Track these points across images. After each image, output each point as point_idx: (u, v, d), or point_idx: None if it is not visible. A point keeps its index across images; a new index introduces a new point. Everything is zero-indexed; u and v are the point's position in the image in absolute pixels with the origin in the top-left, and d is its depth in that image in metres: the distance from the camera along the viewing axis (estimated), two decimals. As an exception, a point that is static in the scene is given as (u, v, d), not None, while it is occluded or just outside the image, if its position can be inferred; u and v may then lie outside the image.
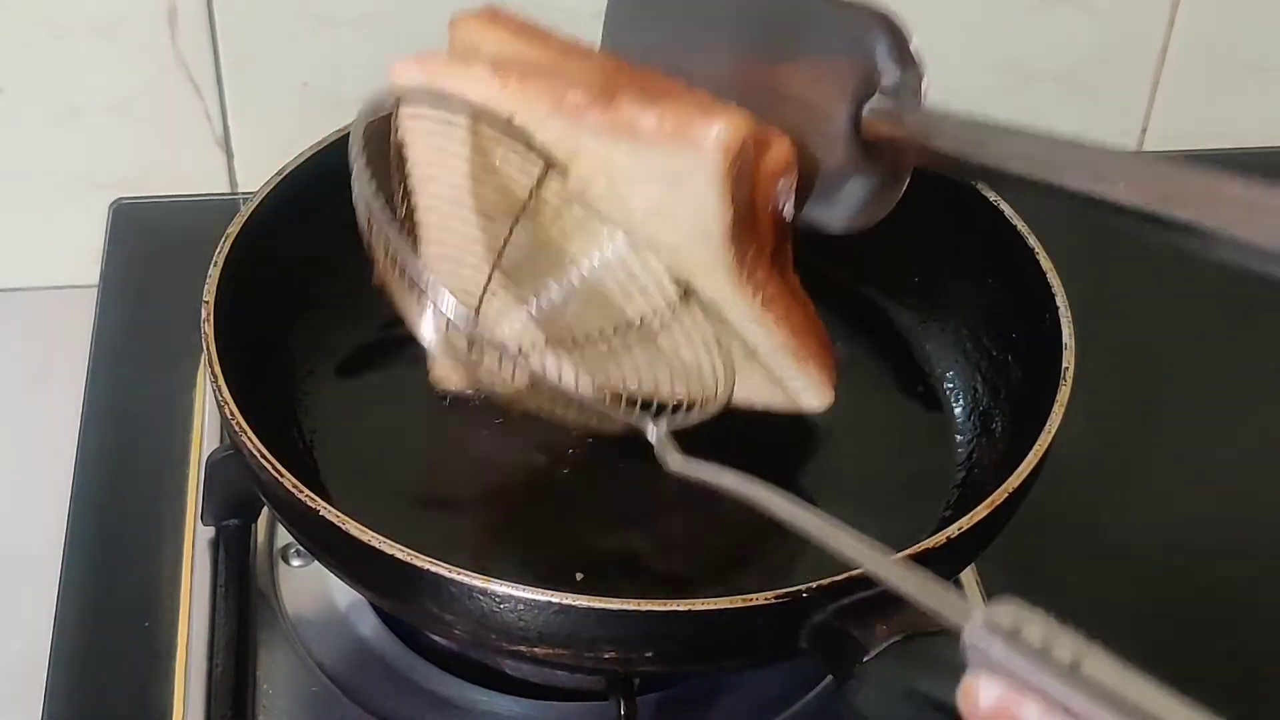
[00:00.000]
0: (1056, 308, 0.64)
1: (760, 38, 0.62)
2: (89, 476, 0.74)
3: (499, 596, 0.52)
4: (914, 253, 0.72)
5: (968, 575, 0.69)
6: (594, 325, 0.62)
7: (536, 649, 0.54)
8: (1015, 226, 0.67)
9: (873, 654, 0.51)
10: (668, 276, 0.60)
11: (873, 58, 0.58)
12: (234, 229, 0.65)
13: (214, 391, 0.59)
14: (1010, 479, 0.57)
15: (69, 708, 0.64)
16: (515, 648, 0.54)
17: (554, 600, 0.52)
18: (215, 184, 0.89)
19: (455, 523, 0.66)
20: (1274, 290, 0.88)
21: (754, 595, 0.52)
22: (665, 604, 0.52)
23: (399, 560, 0.53)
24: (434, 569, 0.53)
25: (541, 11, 0.87)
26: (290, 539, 0.69)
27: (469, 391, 0.65)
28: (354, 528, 0.54)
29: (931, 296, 0.73)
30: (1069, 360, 0.62)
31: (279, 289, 0.68)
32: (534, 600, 0.52)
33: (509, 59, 0.61)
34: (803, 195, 0.60)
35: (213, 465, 0.68)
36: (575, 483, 0.67)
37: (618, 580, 0.62)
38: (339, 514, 0.54)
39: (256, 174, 0.70)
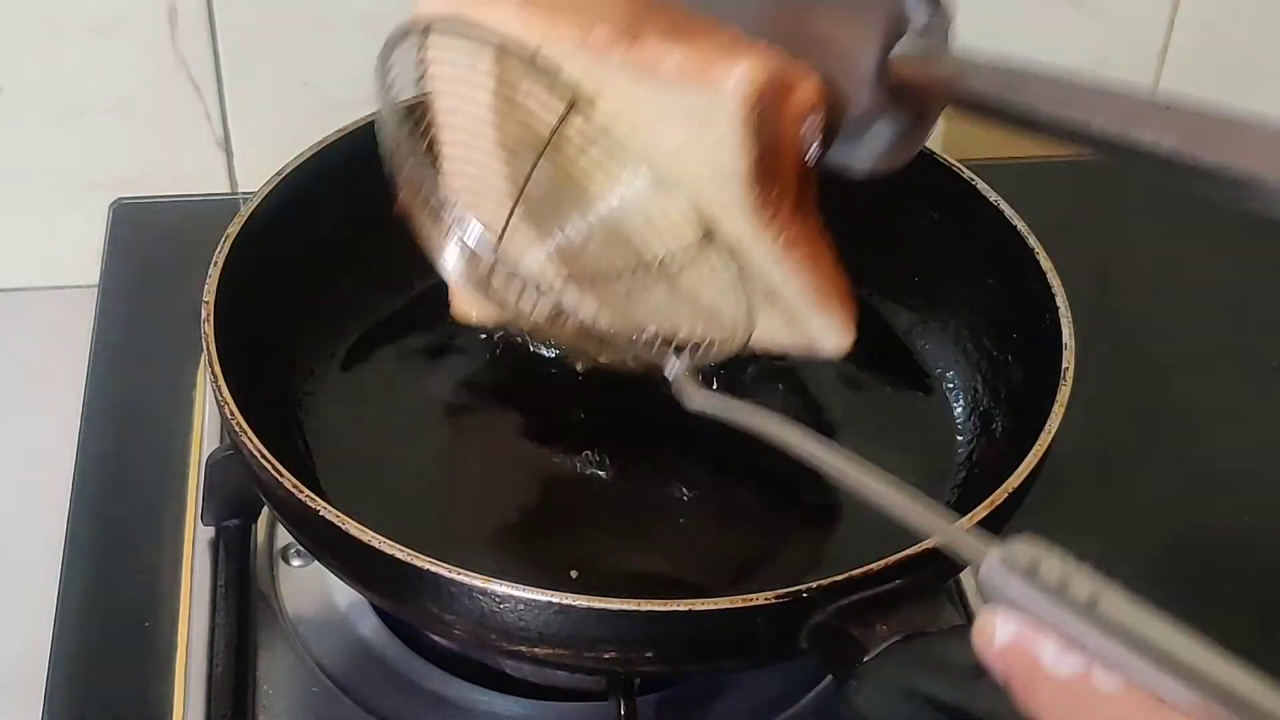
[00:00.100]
0: (1056, 308, 0.64)
1: None
2: (89, 476, 0.74)
3: (499, 596, 0.52)
4: (914, 253, 0.72)
5: (968, 575, 0.69)
6: (615, 263, 0.61)
7: (536, 649, 0.54)
8: (1015, 226, 0.67)
9: (873, 654, 0.51)
10: (690, 216, 0.60)
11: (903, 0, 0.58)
12: (234, 229, 0.65)
13: (214, 391, 0.59)
14: (1010, 479, 0.57)
15: (69, 708, 0.64)
16: (515, 648, 0.54)
17: (554, 600, 0.52)
18: (215, 184, 0.89)
19: (455, 523, 0.66)
20: (1274, 290, 0.88)
21: (754, 595, 0.52)
22: (665, 604, 0.52)
23: (399, 560, 0.53)
24: (434, 569, 0.53)
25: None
26: (290, 539, 0.69)
27: (488, 325, 0.64)
28: (354, 528, 0.54)
29: (931, 296, 0.73)
30: (1069, 360, 0.62)
31: (279, 289, 0.68)
32: (534, 600, 0.52)
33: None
34: (829, 137, 0.60)
35: (213, 465, 0.68)
36: (575, 483, 0.67)
37: (615, 579, 0.62)
38: (339, 514, 0.54)
39: (256, 174, 0.70)
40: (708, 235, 0.60)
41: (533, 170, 0.61)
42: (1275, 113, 1.00)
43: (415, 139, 0.57)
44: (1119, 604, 0.38)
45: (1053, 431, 0.59)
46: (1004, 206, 0.68)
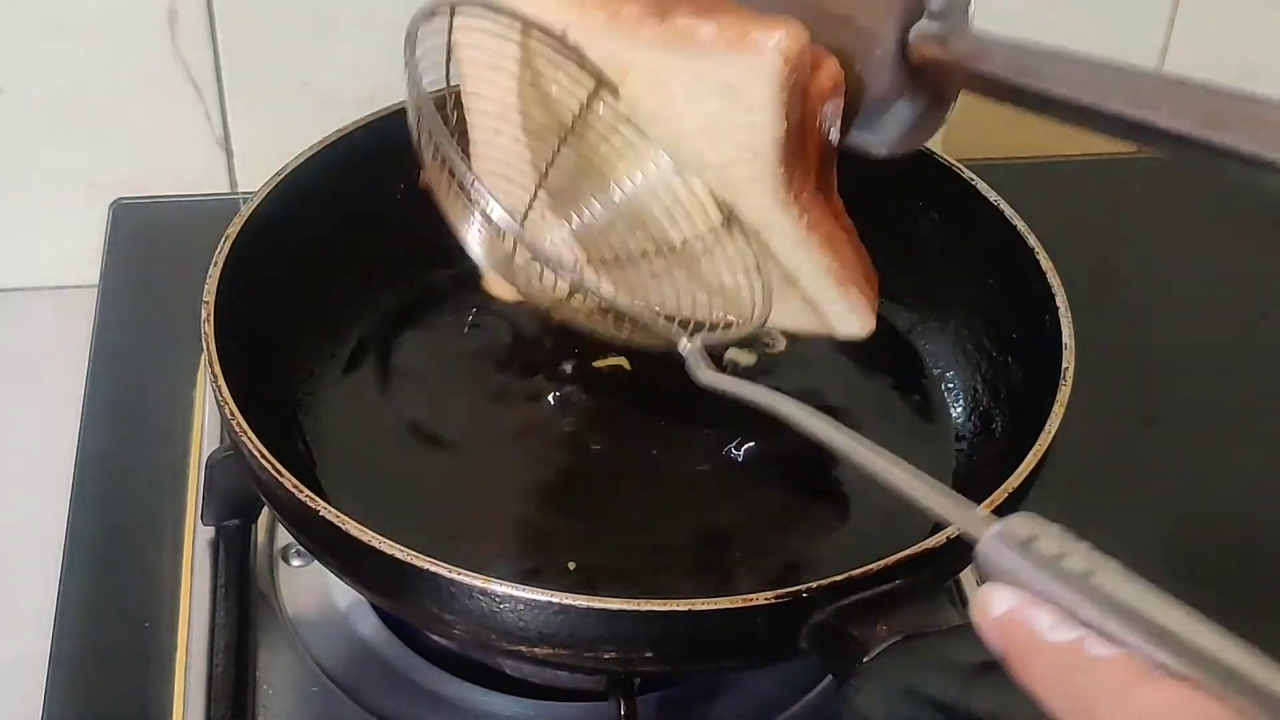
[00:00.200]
0: (1056, 308, 0.64)
1: None
2: (89, 476, 0.74)
3: (499, 596, 0.52)
4: (914, 253, 0.72)
5: (968, 575, 0.69)
6: (637, 245, 0.62)
7: (536, 649, 0.54)
8: (1015, 226, 0.67)
9: (873, 654, 0.51)
10: (712, 199, 0.60)
11: None
12: (234, 229, 0.65)
13: (214, 391, 0.59)
14: (1010, 479, 0.57)
15: (69, 708, 0.64)
16: (515, 648, 0.54)
17: (554, 600, 0.52)
18: (215, 184, 0.89)
19: (455, 522, 0.66)
20: (1274, 290, 0.88)
21: (754, 595, 0.52)
22: (665, 604, 0.52)
23: (399, 560, 0.53)
24: (434, 569, 0.53)
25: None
26: (290, 539, 0.69)
27: (519, 299, 0.64)
28: (354, 528, 0.54)
29: (931, 296, 0.73)
30: (1069, 360, 0.62)
31: (279, 289, 0.68)
32: (534, 600, 0.52)
33: None
34: (849, 118, 0.60)
35: (213, 465, 0.68)
36: (577, 481, 0.67)
37: (615, 579, 0.62)
38: (339, 514, 0.54)
39: (256, 174, 0.70)
40: (729, 219, 0.60)
41: (557, 152, 0.61)
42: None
43: (441, 117, 0.57)
44: (1115, 577, 0.38)
45: (1053, 431, 0.59)
46: (1004, 206, 0.68)
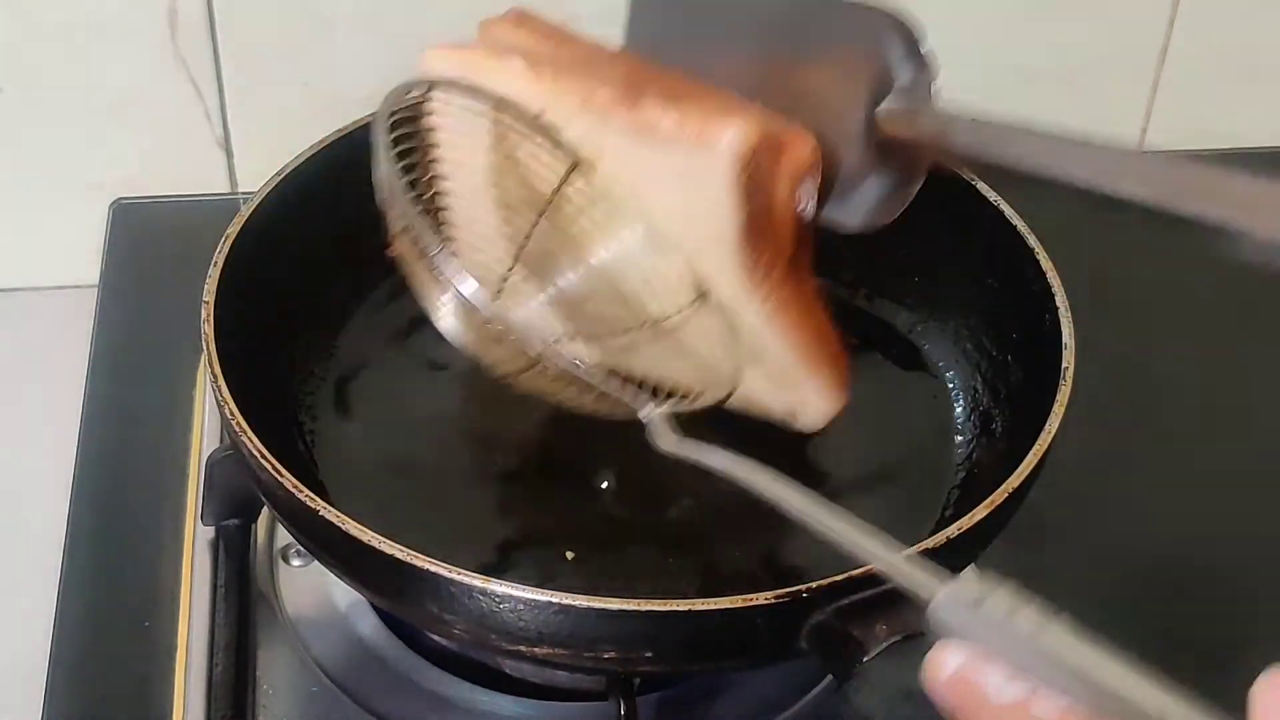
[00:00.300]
0: (1056, 308, 0.64)
1: (778, 38, 0.62)
2: (89, 476, 0.74)
3: (499, 596, 0.52)
4: (914, 253, 0.72)
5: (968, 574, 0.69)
6: (610, 320, 0.62)
7: (536, 649, 0.54)
8: (1015, 226, 0.67)
9: (873, 654, 0.51)
10: (685, 277, 0.60)
11: (886, 58, 0.58)
12: (234, 229, 0.65)
13: (214, 391, 0.59)
14: (1010, 479, 0.57)
15: (69, 708, 0.64)
16: (515, 647, 0.54)
17: (554, 600, 0.52)
18: (215, 184, 0.89)
19: (455, 522, 0.66)
20: (1273, 291, 0.88)
21: (754, 595, 0.52)
22: (665, 604, 0.52)
23: (399, 560, 0.53)
24: (434, 569, 0.52)
25: (540, 12, 0.87)
26: (290, 539, 0.69)
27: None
28: (354, 528, 0.54)
29: (931, 296, 0.73)
30: (1069, 360, 0.62)
31: (279, 289, 0.68)
32: (534, 600, 0.52)
33: (539, 57, 0.61)
34: (824, 193, 0.60)
35: (213, 465, 0.68)
36: (577, 480, 0.67)
37: (614, 577, 0.62)
38: (339, 514, 0.54)
39: (256, 174, 0.70)
40: (702, 296, 0.60)
41: (532, 230, 0.62)
42: (1274, 114, 1.00)
43: (414, 192, 0.58)
44: (1063, 636, 0.39)
45: (1053, 432, 0.59)
46: (1004, 206, 0.68)
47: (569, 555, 0.62)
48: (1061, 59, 0.93)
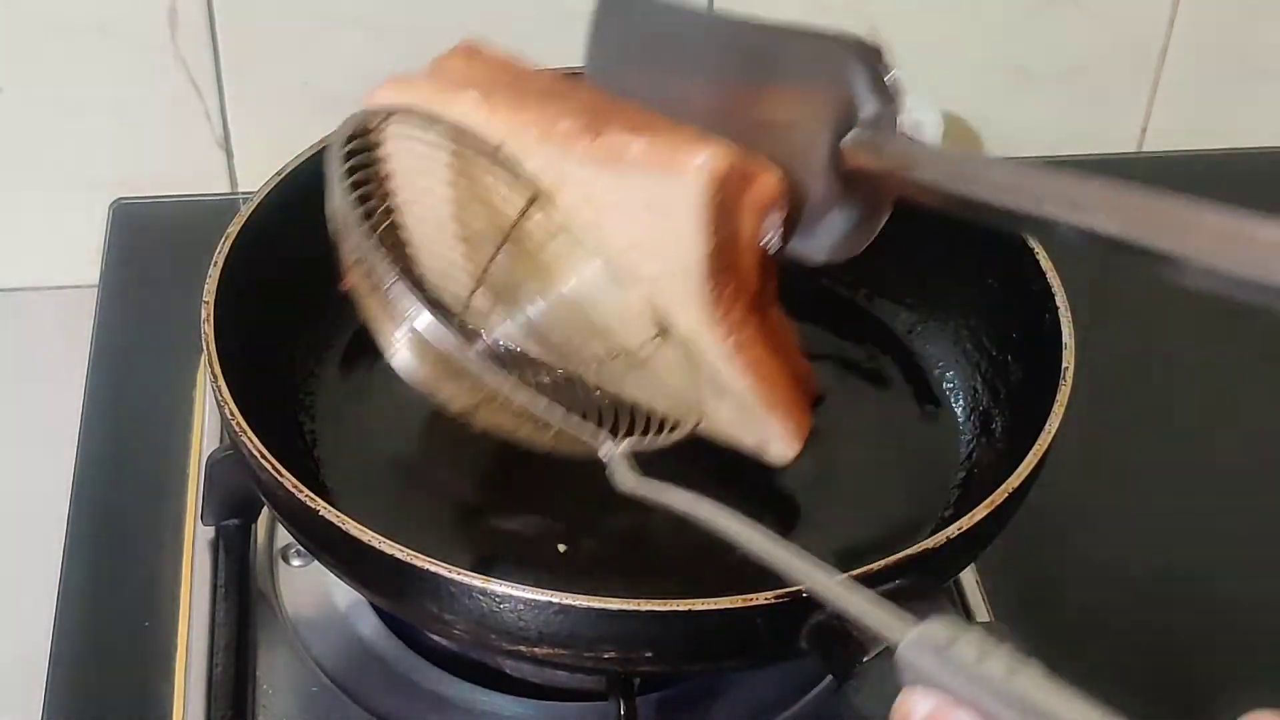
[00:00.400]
0: (1056, 308, 0.64)
1: (741, 71, 0.61)
2: (89, 476, 0.74)
3: (498, 596, 0.52)
4: (914, 253, 0.72)
5: (968, 575, 0.69)
6: (570, 352, 0.61)
7: (536, 649, 0.54)
8: (1016, 227, 0.67)
9: (873, 654, 0.51)
10: (646, 310, 0.60)
11: (851, 89, 0.58)
12: (234, 229, 0.65)
13: (214, 391, 0.59)
14: (1010, 479, 0.57)
15: (69, 708, 0.64)
16: (515, 648, 0.54)
17: (554, 600, 0.52)
18: (215, 184, 0.89)
19: (455, 522, 0.66)
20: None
21: (754, 595, 0.52)
22: (665, 604, 0.52)
23: (399, 560, 0.53)
24: (434, 569, 0.52)
25: (542, 13, 0.87)
26: (290, 539, 0.69)
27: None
28: (354, 528, 0.54)
29: (931, 296, 0.73)
30: (1069, 360, 0.62)
31: (279, 289, 0.68)
32: (534, 600, 0.52)
33: (497, 88, 0.61)
34: (788, 229, 0.60)
35: (213, 465, 0.68)
36: (578, 479, 0.67)
37: (613, 577, 0.62)
38: (339, 514, 0.54)
39: (256, 174, 0.70)
40: (663, 331, 0.60)
41: (490, 263, 0.61)
42: (1274, 114, 1.01)
43: (369, 223, 0.57)
44: (1033, 680, 0.39)
45: (1053, 431, 0.59)
46: (1004, 206, 0.68)
47: (561, 548, 0.62)
48: (1061, 59, 0.93)
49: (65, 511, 0.72)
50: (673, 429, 0.59)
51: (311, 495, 0.55)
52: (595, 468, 0.66)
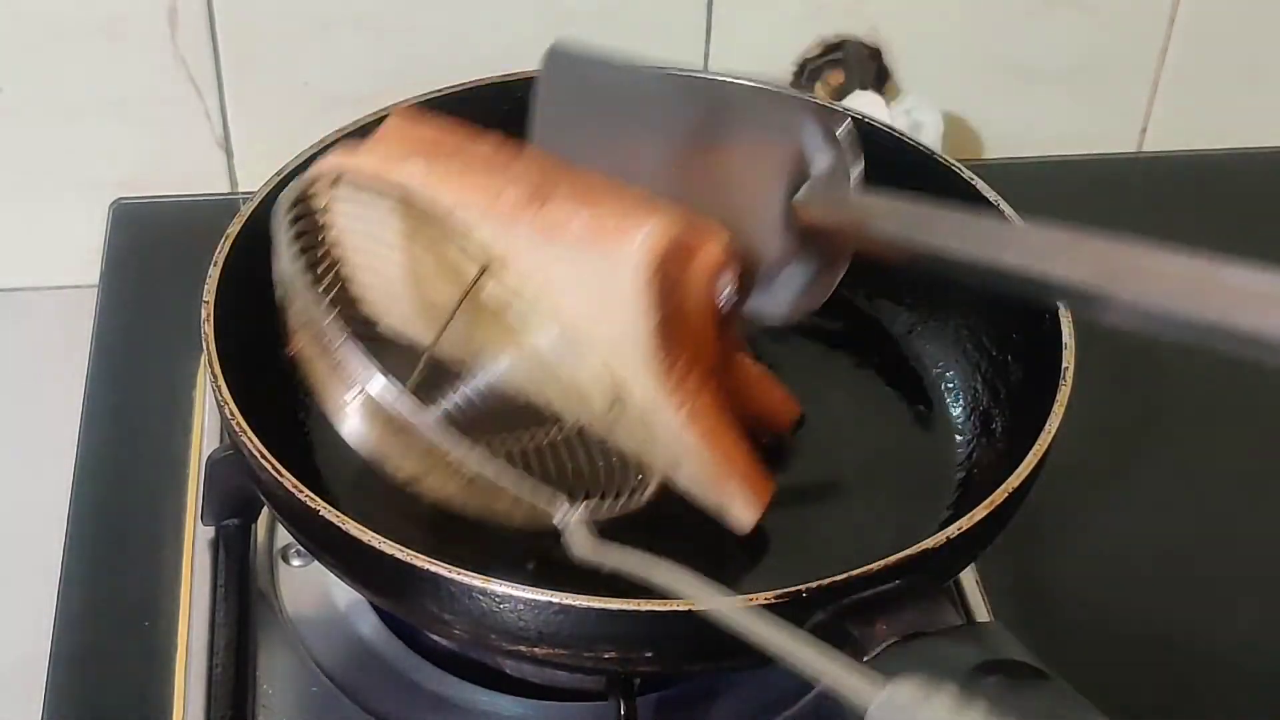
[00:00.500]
0: (1056, 308, 0.64)
1: (692, 130, 0.61)
2: (89, 476, 0.74)
3: (498, 596, 0.52)
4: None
5: (968, 575, 0.69)
6: (527, 417, 0.61)
7: (536, 649, 0.54)
8: (1015, 226, 0.67)
9: (872, 654, 0.51)
10: (601, 379, 0.59)
11: (802, 145, 0.58)
12: (234, 229, 0.65)
13: (214, 391, 0.59)
14: (1010, 479, 0.57)
15: (69, 708, 0.64)
16: (515, 647, 0.54)
17: (554, 600, 0.52)
18: (215, 184, 0.89)
19: (455, 522, 0.65)
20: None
21: (754, 595, 0.52)
22: (665, 604, 0.52)
23: (399, 560, 0.53)
24: (434, 569, 0.52)
25: (541, 12, 0.87)
26: (290, 539, 0.69)
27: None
28: (354, 528, 0.54)
29: (931, 296, 0.73)
30: (1069, 360, 0.62)
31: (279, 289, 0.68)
32: (534, 600, 0.52)
33: (442, 156, 0.60)
34: (744, 289, 0.59)
35: (213, 465, 0.68)
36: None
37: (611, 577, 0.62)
38: (339, 514, 0.54)
39: (256, 174, 0.70)
40: (619, 399, 0.60)
41: (442, 331, 0.61)
42: (1274, 114, 1.00)
43: (319, 288, 0.57)
44: None
45: (1053, 432, 0.59)
46: (1004, 206, 0.68)
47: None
48: (1061, 59, 0.93)
49: (65, 512, 0.72)
50: (630, 495, 0.58)
51: (311, 495, 0.55)
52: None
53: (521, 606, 0.52)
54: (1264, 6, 0.94)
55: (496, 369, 0.61)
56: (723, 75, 0.61)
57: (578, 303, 0.58)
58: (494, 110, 0.69)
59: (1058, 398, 0.60)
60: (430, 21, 0.86)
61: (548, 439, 0.60)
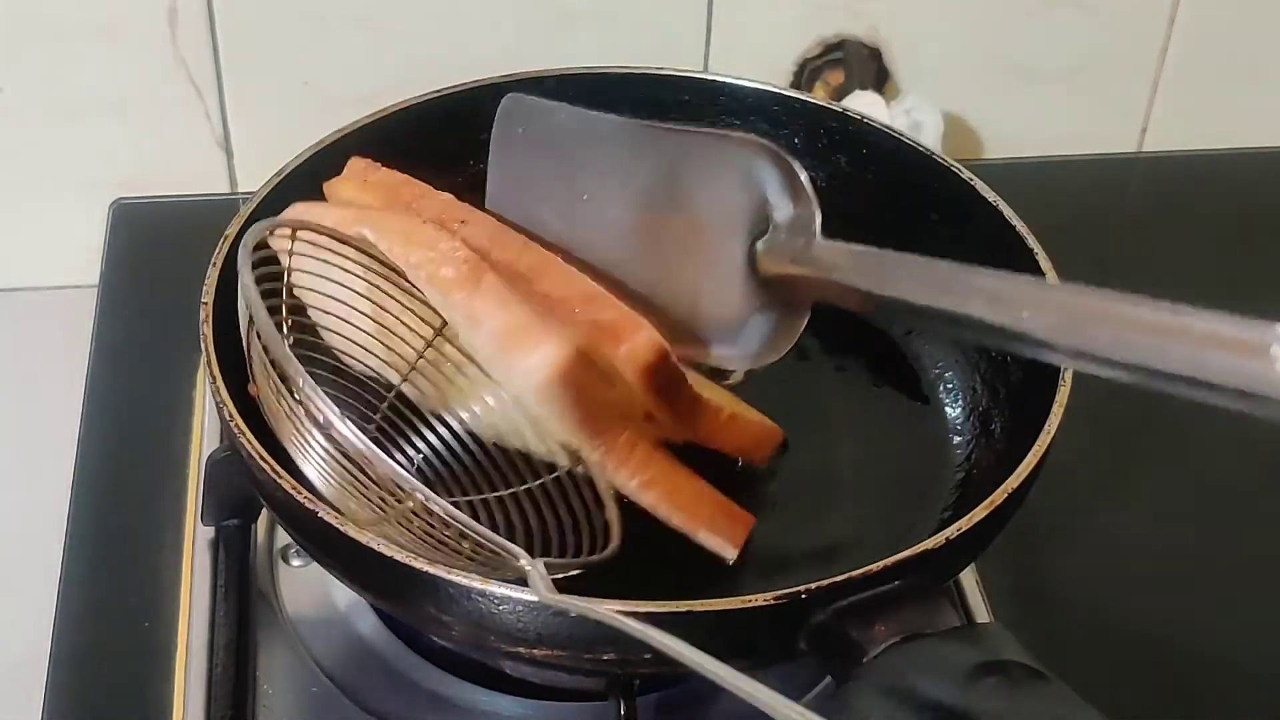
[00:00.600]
0: (1056, 308, 0.64)
1: (651, 180, 0.61)
2: (89, 476, 0.74)
3: (497, 598, 0.52)
4: (913, 251, 0.72)
5: (968, 575, 0.69)
6: (489, 468, 0.61)
7: (535, 650, 0.54)
8: (1015, 227, 0.67)
9: (872, 655, 0.51)
10: (555, 442, 0.60)
11: (763, 193, 0.57)
12: (233, 229, 0.65)
13: (212, 393, 0.59)
14: (1009, 480, 0.57)
15: (69, 708, 0.64)
16: (514, 649, 0.54)
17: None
18: (215, 184, 0.89)
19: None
20: (1273, 290, 0.88)
21: (753, 597, 0.52)
22: (664, 605, 0.52)
23: (397, 562, 0.53)
24: (432, 570, 0.52)
25: (541, 12, 0.87)
26: (291, 539, 0.69)
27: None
28: (352, 529, 0.54)
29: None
30: (1068, 361, 0.62)
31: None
32: (533, 602, 0.52)
33: (389, 220, 0.61)
34: (702, 337, 0.60)
35: (213, 465, 0.68)
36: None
37: (612, 577, 0.62)
38: (337, 515, 0.54)
39: (256, 174, 0.70)
40: (576, 460, 0.60)
41: (400, 386, 0.61)
42: (1274, 114, 1.00)
43: (283, 332, 0.57)
44: None
45: (1052, 432, 0.58)
46: (1003, 207, 0.68)
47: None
48: (1061, 59, 0.93)
49: (65, 512, 0.72)
50: (591, 551, 0.58)
51: (310, 497, 0.55)
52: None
53: (520, 608, 0.52)
54: (1264, 6, 0.94)
55: (457, 420, 0.61)
56: (683, 124, 0.61)
57: (509, 386, 0.59)
58: (494, 111, 0.69)
59: (1057, 398, 0.60)
60: (430, 21, 0.86)
61: (509, 490, 0.60)
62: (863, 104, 0.88)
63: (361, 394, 0.62)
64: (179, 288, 0.68)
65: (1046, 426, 0.59)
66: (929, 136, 0.87)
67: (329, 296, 0.60)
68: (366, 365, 0.62)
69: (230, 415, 0.58)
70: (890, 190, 0.72)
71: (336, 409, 0.53)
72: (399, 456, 0.61)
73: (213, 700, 0.63)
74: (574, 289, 0.58)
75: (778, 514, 0.65)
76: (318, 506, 0.55)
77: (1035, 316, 0.48)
